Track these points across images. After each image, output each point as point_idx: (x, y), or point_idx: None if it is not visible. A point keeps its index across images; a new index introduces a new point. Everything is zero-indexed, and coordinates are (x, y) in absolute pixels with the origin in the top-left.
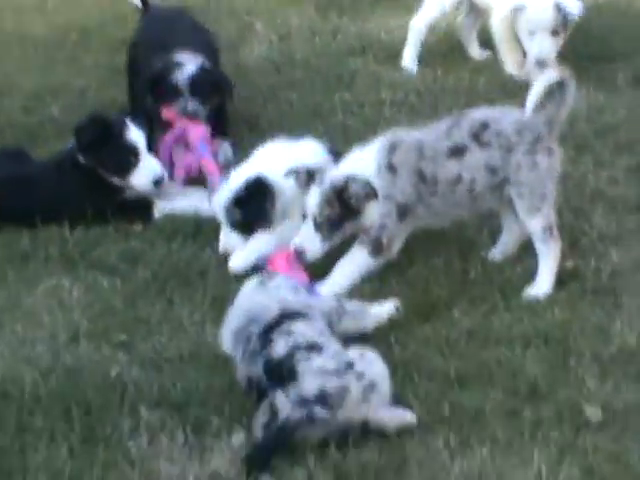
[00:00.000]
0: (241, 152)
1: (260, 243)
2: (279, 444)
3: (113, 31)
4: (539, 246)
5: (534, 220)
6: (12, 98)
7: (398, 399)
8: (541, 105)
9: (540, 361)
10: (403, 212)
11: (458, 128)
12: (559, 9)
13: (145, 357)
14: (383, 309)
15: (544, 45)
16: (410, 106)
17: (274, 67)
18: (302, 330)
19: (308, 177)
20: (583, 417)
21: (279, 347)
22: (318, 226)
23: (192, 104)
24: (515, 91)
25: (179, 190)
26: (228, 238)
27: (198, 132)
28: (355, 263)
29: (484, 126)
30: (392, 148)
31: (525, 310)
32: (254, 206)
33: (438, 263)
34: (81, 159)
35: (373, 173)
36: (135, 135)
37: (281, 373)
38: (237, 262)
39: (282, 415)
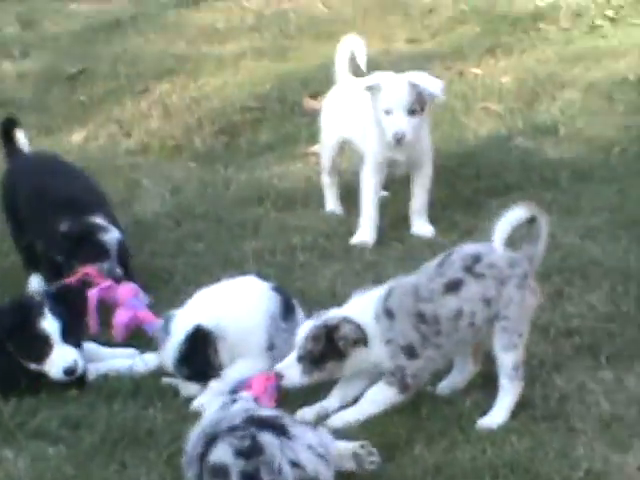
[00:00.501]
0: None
1: (216, 388)
2: None
3: None
4: (504, 382)
5: (508, 355)
6: None
7: None
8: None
9: None
10: (411, 352)
11: (449, 264)
12: (414, 87)
13: None
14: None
15: (400, 124)
16: (321, 249)
17: (174, 221)
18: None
19: None
20: None
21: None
22: (301, 358)
23: (118, 267)
24: None
25: (106, 352)
26: (187, 389)
27: (128, 290)
28: (382, 401)
29: (476, 259)
30: (388, 294)
31: (485, 441)
32: (199, 359)
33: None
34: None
35: (371, 319)
36: (49, 324)
37: None
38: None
39: None
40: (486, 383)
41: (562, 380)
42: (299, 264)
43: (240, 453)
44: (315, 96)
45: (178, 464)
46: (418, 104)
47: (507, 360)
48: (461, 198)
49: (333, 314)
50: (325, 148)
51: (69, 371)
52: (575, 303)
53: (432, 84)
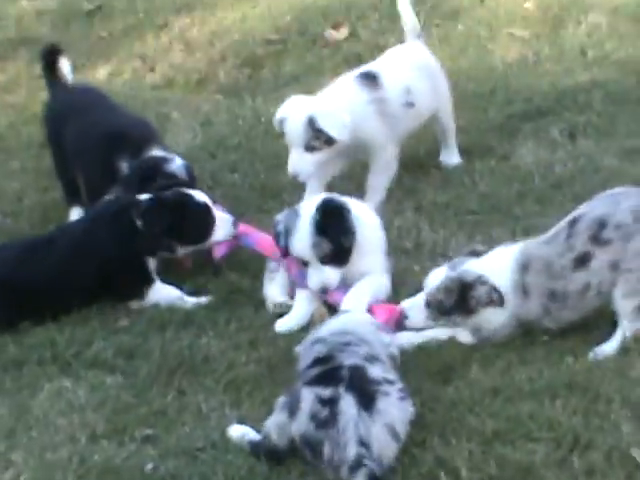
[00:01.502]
0: None
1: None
2: None
3: (27, 132)
4: (625, 322)
5: (628, 301)
6: None
7: None
8: None
9: (571, 410)
10: (522, 324)
11: (577, 235)
12: (311, 123)
13: (176, 448)
14: None
15: (294, 162)
16: (358, 178)
17: (207, 153)
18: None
19: None
20: (633, 461)
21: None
22: (429, 304)
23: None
24: None
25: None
26: (323, 276)
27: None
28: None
29: (602, 224)
30: (525, 267)
31: (541, 362)
32: (338, 228)
33: None
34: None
35: (508, 286)
36: (203, 198)
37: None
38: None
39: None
40: None
41: None
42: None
43: (313, 417)
44: (337, 27)
45: (235, 391)
46: (318, 140)
47: (627, 306)
48: (495, 124)
49: (470, 268)
50: None
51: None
52: None
53: (331, 124)
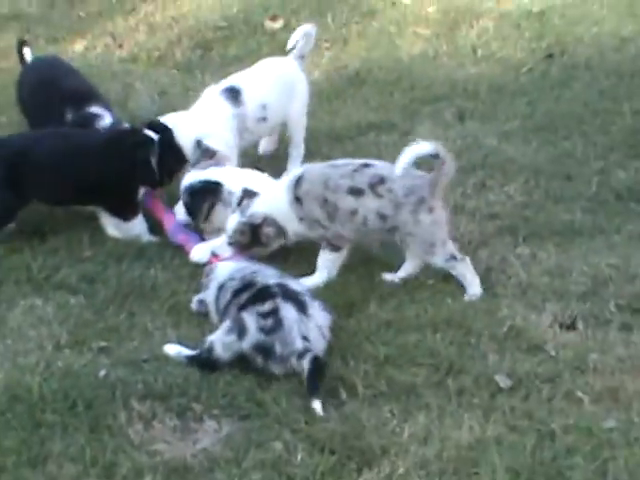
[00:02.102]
0: None
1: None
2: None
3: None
4: (451, 271)
5: (432, 257)
6: None
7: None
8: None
9: (448, 342)
10: (317, 226)
11: (361, 174)
12: (199, 144)
13: (125, 359)
14: None
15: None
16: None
17: None
18: None
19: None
20: (495, 385)
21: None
22: (230, 244)
23: None
24: None
25: None
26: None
27: None
28: (326, 263)
29: (381, 180)
30: (299, 181)
31: (426, 302)
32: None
33: (349, 274)
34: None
35: (285, 206)
36: None
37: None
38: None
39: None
40: None
41: (487, 255)
42: None
43: (262, 329)
44: (274, 19)
45: (176, 314)
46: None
47: (434, 260)
48: (399, 105)
49: (256, 210)
50: None
51: None
52: (496, 193)
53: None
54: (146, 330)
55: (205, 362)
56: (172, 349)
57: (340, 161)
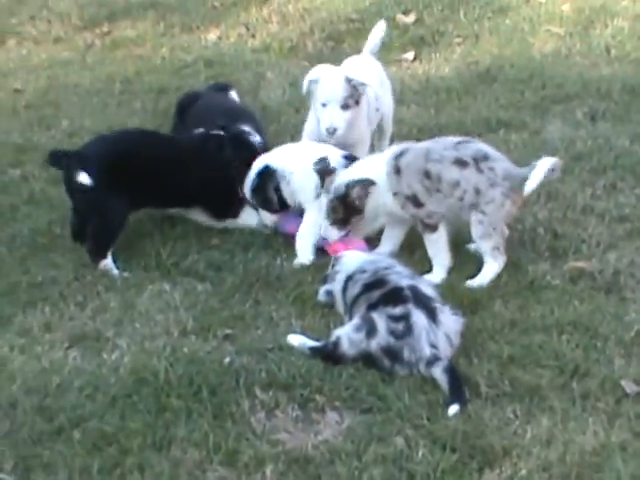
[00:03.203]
0: None
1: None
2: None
3: (149, 80)
4: (488, 259)
5: (484, 242)
6: (81, 138)
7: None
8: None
9: (574, 344)
10: (410, 203)
11: (465, 147)
12: (349, 82)
13: (249, 347)
14: None
15: (333, 118)
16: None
17: (293, 108)
18: None
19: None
20: (621, 390)
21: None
22: (331, 222)
23: None
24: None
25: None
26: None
27: None
28: (435, 245)
29: (485, 157)
30: (401, 154)
31: (553, 303)
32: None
33: (476, 272)
34: None
35: (383, 178)
36: None
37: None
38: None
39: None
40: (553, 255)
41: (615, 258)
42: None
43: (392, 332)
44: (406, 12)
45: (301, 304)
46: (352, 99)
47: (484, 245)
48: (530, 103)
49: (339, 182)
50: None
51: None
52: (626, 195)
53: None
54: (271, 319)
55: (330, 355)
56: (296, 339)
57: (439, 138)
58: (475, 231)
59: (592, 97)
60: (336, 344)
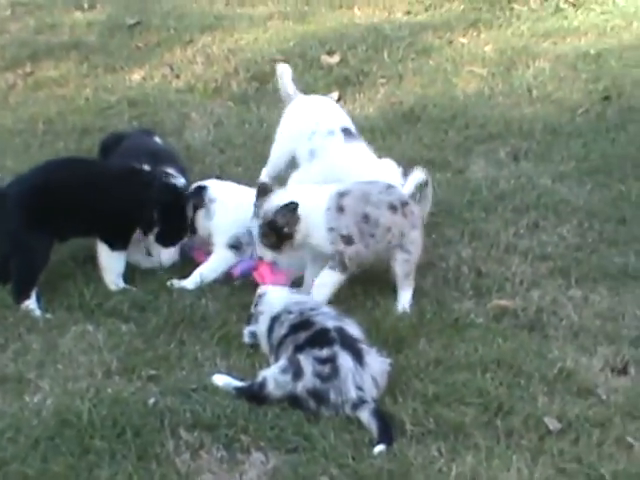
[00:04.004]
0: None
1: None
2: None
3: (72, 120)
4: (405, 287)
5: (408, 277)
6: (1, 180)
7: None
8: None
9: (498, 382)
10: (342, 241)
11: (392, 192)
12: None
13: (174, 387)
14: None
15: None
16: None
17: (218, 149)
18: None
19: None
20: (544, 427)
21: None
22: (264, 246)
23: None
24: None
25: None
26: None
27: None
28: (329, 283)
29: (404, 204)
30: (343, 194)
31: (477, 341)
32: None
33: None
34: None
35: (320, 212)
36: None
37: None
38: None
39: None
40: (477, 294)
41: (538, 296)
42: None
43: (318, 374)
44: (331, 53)
45: (226, 344)
46: None
47: (407, 280)
48: (454, 143)
49: (268, 208)
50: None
51: None
52: (549, 234)
53: None
54: (196, 359)
55: (255, 396)
56: (221, 379)
57: (368, 180)
58: (401, 269)
59: (514, 137)
60: (262, 385)
